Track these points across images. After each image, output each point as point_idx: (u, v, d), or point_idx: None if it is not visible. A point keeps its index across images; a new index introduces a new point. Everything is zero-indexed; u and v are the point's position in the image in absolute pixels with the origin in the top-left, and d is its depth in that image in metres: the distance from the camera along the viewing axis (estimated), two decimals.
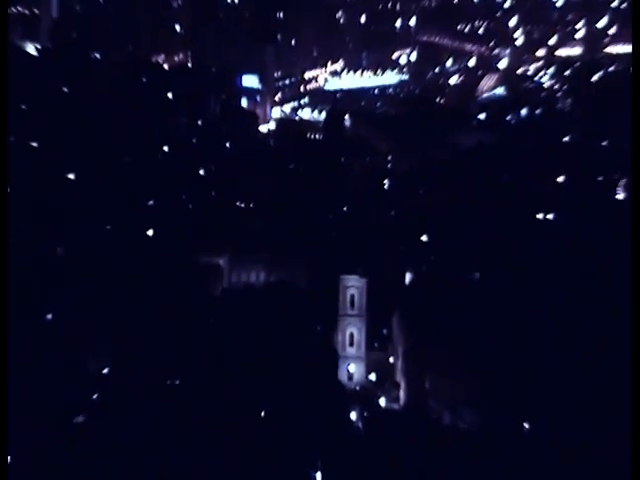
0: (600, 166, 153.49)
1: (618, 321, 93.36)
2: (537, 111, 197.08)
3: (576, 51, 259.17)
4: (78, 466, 71.94)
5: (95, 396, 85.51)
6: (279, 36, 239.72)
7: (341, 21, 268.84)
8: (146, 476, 70.84)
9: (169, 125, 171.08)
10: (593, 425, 77.46)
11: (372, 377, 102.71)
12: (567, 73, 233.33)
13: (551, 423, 79.91)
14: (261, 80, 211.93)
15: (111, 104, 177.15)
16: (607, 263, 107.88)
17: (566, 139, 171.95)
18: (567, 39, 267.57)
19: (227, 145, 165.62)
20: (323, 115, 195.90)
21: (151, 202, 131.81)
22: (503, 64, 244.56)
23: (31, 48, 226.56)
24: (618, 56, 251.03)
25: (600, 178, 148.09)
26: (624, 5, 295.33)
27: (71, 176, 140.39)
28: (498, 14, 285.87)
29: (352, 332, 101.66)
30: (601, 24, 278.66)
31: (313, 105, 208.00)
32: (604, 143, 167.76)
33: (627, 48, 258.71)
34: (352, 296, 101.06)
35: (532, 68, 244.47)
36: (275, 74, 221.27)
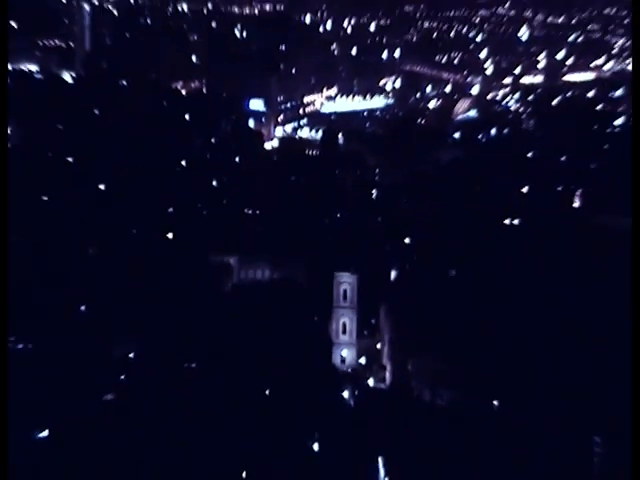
0: (559, 178, 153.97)
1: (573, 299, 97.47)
2: (504, 131, 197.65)
3: (538, 79, 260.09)
4: (108, 436, 72.53)
5: (122, 377, 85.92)
6: (281, 66, 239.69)
7: (335, 53, 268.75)
8: (165, 442, 71.46)
9: (186, 143, 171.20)
10: (562, 403, 77.91)
11: (362, 361, 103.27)
12: (530, 98, 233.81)
13: (517, 401, 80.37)
14: (266, 104, 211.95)
15: (136, 124, 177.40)
16: (561, 256, 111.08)
17: (529, 155, 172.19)
18: (530, 69, 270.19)
19: (237, 160, 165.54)
20: (320, 134, 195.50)
21: (171, 209, 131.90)
22: (475, 90, 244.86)
23: (67, 76, 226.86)
24: (574, 83, 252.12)
25: (559, 188, 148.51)
26: (580, 39, 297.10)
27: (102, 187, 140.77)
28: (471, 47, 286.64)
29: (345, 322, 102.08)
30: (560, 56, 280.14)
31: (311, 125, 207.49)
32: (562, 158, 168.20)
33: (582, 76, 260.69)
34: (345, 291, 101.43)
35: (500, 94, 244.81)
36: (278, 98, 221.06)
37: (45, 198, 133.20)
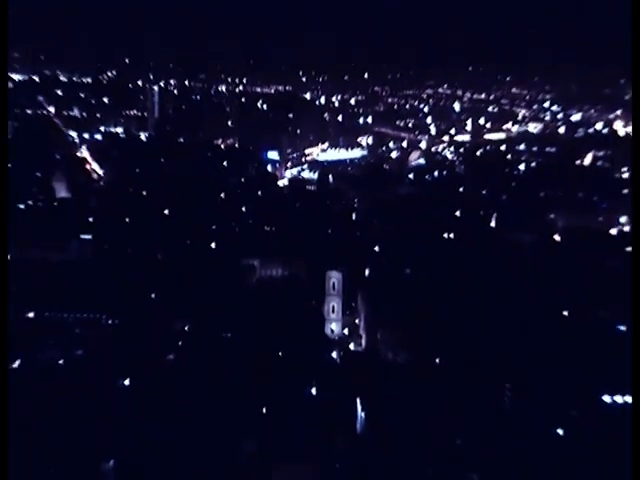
0: (480, 206, 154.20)
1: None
2: (443, 173, 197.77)
3: (466, 137, 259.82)
4: (171, 383, 73.07)
5: (180, 343, 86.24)
6: (290, 128, 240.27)
7: (327, 119, 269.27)
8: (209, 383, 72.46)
9: (224, 181, 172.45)
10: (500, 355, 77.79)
11: (345, 332, 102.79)
12: (461, 150, 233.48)
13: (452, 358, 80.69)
14: (279, 154, 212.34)
15: (190, 168, 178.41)
16: (481, 258, 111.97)
17: (460, 189, 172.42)
18: (461, 130, 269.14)
19: (258, 193, 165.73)
20: (316, 175, 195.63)
21: (214, 227, 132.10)
22: (423, 145, 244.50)
23: (142, 136, 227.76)
24: (491, 140, 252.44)
25: (481, 212, 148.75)
26: (495, 110, 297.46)
27: (166, 212, 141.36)
28: (420, 115, 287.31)
29: (333, 305, 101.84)
30: (481, 121, 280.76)
31: (310, 169, 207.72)
32: (483, 192, 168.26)
33: (496, 135, 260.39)
34: (333, 283, 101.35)
35: (440, 147, 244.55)
36: (287, 151, 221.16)
37: (127, 220, 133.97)
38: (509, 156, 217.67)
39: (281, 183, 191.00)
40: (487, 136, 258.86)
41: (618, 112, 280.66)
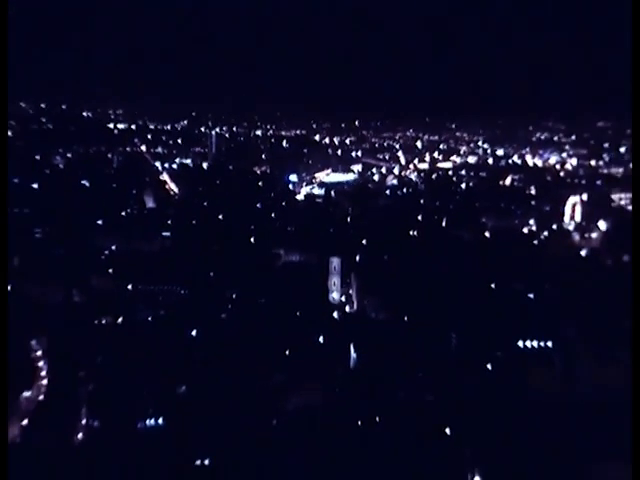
0: (435, 213, 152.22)
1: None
2: (410, 190, 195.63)
3: (425, 165, 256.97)
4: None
5: (229, 306, 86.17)
6: (304, 159, 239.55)
7: (330, 153, 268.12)
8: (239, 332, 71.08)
9: (259, 196, 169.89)
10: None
11: (342, 299, 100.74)
12: (422, 175, 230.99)
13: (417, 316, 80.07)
14: (297, 177, 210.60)
15: (237, 187, 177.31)
16: (436, 248, 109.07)
17: (421, 201, 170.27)
18: (421, 160, 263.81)
19: (283, 204, 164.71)
20: (323, 192, 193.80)
21: (252, 227, 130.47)
22: (396, 171, 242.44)
23: (204, 165, 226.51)
24: (442, 167, 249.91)
25: (435, 217, 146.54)
26: (444, 147, 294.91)
27: (220, 217, 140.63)
28: (393, 150, 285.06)
29: (334, 281, 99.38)
30: (435, 155, 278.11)
31: (319, 188, 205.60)
32: (437, 203, 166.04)
33: (446, 164, 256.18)
34: (334, 266, 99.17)
35: (408, 172, 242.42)
36: (303, 174, 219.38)
37: (194, 222, 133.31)
38: (454, 178, 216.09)
39: (298, 197, 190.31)
40: (439, 165, 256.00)
41: (527, 149, 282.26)
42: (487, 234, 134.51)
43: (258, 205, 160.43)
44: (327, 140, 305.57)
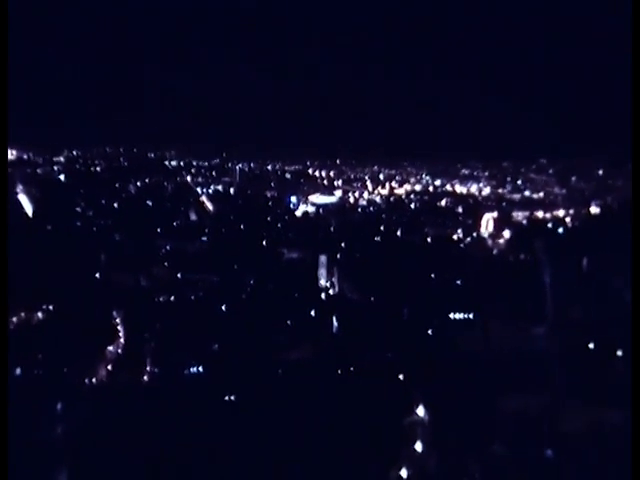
0: (392, 225, 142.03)
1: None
2: (374, 209, 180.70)
3: (385, 191, 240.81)
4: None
5: (248, 289, 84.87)
6: (301, 186, 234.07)
7: (318, 182, 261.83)
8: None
9: (269, 212, 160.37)
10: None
11: (327, 284, 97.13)
12: (383, 198, 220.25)
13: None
14: (296, 199, 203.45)
15: (253, 207, 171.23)
16: (397, 252, 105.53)
17: (383, 216, 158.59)
18: (383, 187, 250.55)
19: (286, 217, 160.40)
20: (314, 210, 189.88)
21: (264, 233, 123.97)
22: (365, 195, 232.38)
23: (231, 190, 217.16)
24: (399, 193, 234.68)
25: (392, 228, 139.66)
26: (399, 178, 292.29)
27: (242, 226, 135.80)
28: (363, 180, 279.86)
29: (322, 272, 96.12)
30: (393, 184, 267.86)
31: (311, 206, 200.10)
32: (393, 217, 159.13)
33: (400, 191, 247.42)
34: (322, 261, 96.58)
35: (373, 196, 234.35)
36: (300, 197, 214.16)
37: (223, 230, 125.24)
38: (406, 201, 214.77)
39: (297, 213, 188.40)
40: (396, 191, 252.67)
41: (456, 180, 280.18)
42: (429, 240, 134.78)
43: (268, 218, 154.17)
44: (317, 173, 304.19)
